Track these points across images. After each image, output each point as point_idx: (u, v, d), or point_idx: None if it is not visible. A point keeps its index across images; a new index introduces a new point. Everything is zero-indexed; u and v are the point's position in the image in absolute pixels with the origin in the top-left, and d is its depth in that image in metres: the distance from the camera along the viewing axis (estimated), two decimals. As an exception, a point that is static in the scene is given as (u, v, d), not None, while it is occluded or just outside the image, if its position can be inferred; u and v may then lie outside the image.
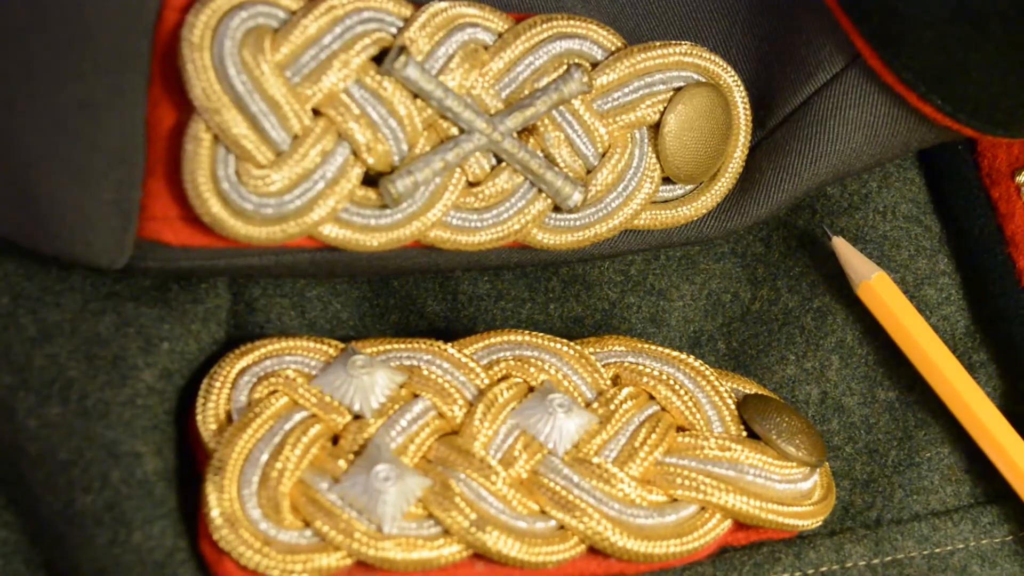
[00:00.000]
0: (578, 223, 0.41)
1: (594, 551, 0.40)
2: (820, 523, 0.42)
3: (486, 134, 0.39)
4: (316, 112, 0.38)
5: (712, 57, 0.42)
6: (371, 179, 0.39)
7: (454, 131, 0.39)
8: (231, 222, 0.37)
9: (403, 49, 0.38)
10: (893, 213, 0.47)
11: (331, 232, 0.38)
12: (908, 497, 0.46)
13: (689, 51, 0.42)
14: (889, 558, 0.44)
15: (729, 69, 0.42)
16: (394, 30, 0.38)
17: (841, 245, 0.46)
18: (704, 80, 0.42)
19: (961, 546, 0.45)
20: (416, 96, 0.38)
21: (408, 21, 0.38)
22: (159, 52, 0.36)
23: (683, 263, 0.46)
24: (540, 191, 0.40)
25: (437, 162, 0.39)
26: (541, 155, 0.40)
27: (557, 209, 0.41)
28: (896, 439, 0.46)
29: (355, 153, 0.38)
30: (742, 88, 0.43)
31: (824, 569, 0.43)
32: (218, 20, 0.36)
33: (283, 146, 0.37)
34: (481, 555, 0.38)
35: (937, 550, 0.45)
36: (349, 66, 0.38)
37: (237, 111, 0.36)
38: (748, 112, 0.43)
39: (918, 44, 0.41)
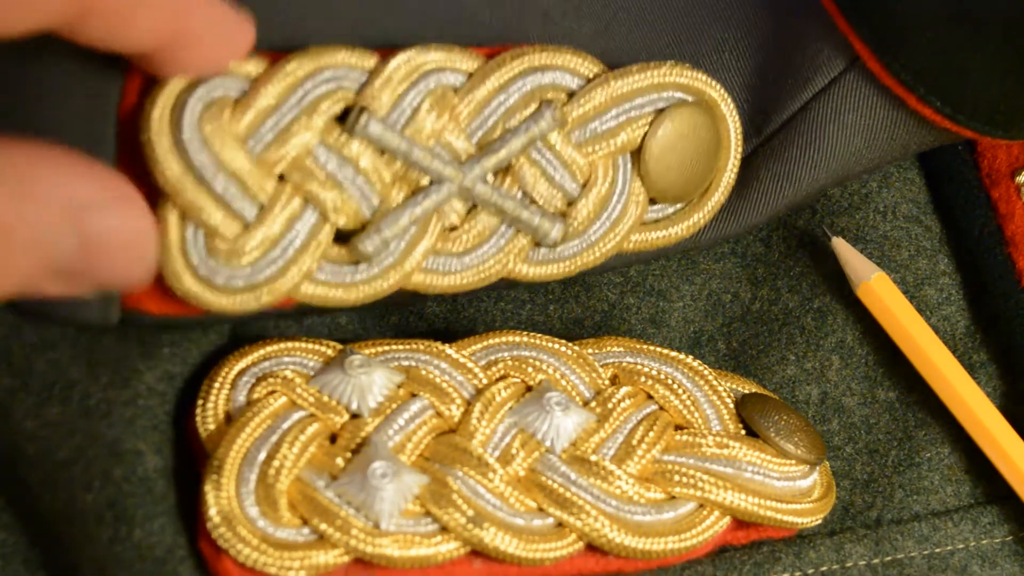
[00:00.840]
0: (564, 254, 0.41)
1: (593, 549, 0.40)
2: (820, 521, 0.43)
3: (456, 182, 0.39)
4: (283, 177, 0.37)
5: (694, 74, 0.41)
6: (346, 234, 0.39)
7: (426, 180, 0.39)
8: (205, 295, 0.37)
9: (363, 109, 0.38)
10: (893, 213, 0.47)
11: (307, 290, 0.38)
12: (908, 497, 0.46)
13: (668, 71, 0.41)
14: (889, 558, 0.44)
15: (713, 83, 0.42)
16: (356, 86, 0.38)
17: (841, 246, 0.46)
18: (687, 98, 0.41)
19: (961, 546, 0.45)
20: (384, 151, 0.38)
21: (371, 75, 0.38)
22: (123, 134, 0.36)
23: (683, 264, 0.46)
24: (519, 230, 0.40)
25: (405, 218, 0.38)
26: (518, 193, 0.40)
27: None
28: (896, 439, 0.46)
29: (323, 215, 0.38)
30: (729, 101, 0.42)
31: (824, 569, 0.44)
32: (174, 102, 0.36)
33: (250, 217, 0.37)
34: (479, 552, 0.39)
35: (937, 550, 0.45)
36: (311, 130, 0.37)
37: (200, 190, 0.36)
38: (738, 125, 0.42)
39: (917, 46, 0.41)
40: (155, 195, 0.36)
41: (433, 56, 0.39)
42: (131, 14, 0.32)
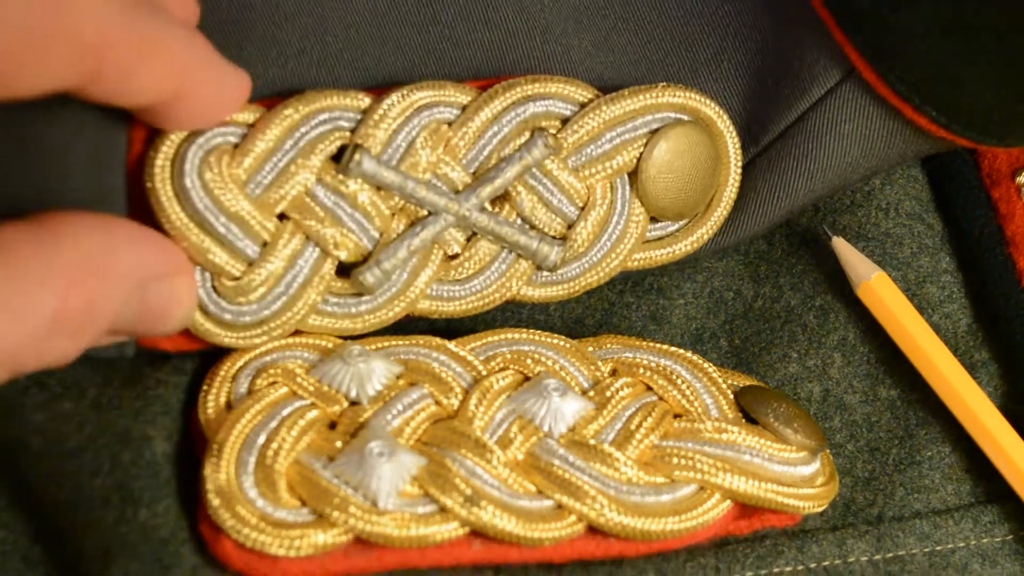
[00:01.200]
0: (567, 276, 0.42)
1: (593, 532, 0.40)
2: (822, 508, 0.42)
3: (453, 213, 0.40)
4: (283, 215, 0.39)
5: (687, 93, 0.42)
6: (348, 267, 0.40)
7: (425, 211, 0.40)
8: (215, 331, 0.39)
9: (357, 147, 0.39)
10: (896, 210, 0.47)
11: (315, 321, 0.39)
12: (909, 495, 0.46)
13: (660, 93, 0.41)
14: (891, 554, 0.44)
15: (707, 100, 0.42)
16: (352, 125, 0.39)
17: (841, 245, 0.45)
18: (682, 117, 0.42)
19: (962, 544, 0.45)
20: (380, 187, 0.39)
21: (366, 114, 0.39)
22: (132, 183, 0.38)
23: (685, 261, 0.46)
24: (519, 255, 0.41)
25: (403, 250, 0.39)
26: (516, 220, 0.41)
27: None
28: (897, 437, 0.46)
29: (324, 251, 0.39)
30: (725, 117, 0.42)
31: (826, 563, 0.44)
32: (176, 151, 0.37)
33: (253, 255, 0.38)
34: (478, 533, 0.39)
35: (938, 548, 0.45)
36: (309, 169, 0.38)
37: (203, 233, 0.38)
38: (736, 139, 0.43)
39: (912, 57, 0.41)
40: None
41: (425, 93, 0.39)
42: (135, 74, 0.34)
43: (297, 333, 0.41)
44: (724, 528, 0.42)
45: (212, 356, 0.41)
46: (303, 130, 0.38)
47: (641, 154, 0.41)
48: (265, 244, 0.38)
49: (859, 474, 0.46)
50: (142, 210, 0.38)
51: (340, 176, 0.39)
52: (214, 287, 0.38)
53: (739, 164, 0.43)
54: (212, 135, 0.38)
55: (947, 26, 0.40)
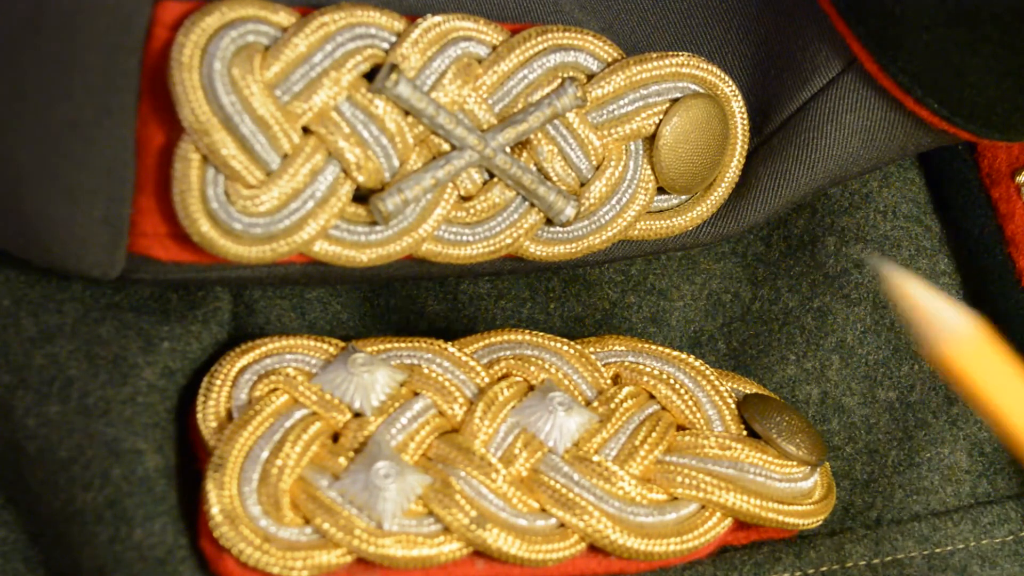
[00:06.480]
0: (571, 235, 0.41)
1: (595, 549, 0.40)
2: (820, 523, 0.43)
3: (478, 150, 0.39)
4: (306, 130, 0.37)
5: (710, 67, 0.42)
6: (362, 195, 0.39)
7: (446, 147, 0.39)
8: (220, 242, 0.37)
9: (394, 67, 0.38)
10: (894, 213, 0.47)
11: (321, 248, 0.38)
12: (908, 497, 0.46)
13: (686, 62, 0.42)
14: (889, 558, 0.44)
15: (727, 79, 0.42)
16: (386, 45, 0.38)
17: (913, 289, 0.30)
18: (701, 90, 0.42)
19: (961, 546, 0.45)
20: (408, 112, 0.38)
21: (401, 36, 0.38)
22: (148, 69, 0.36)
23: (683, 263, 0.46)
24: (532, 205, 0.40)
25: (427, 180, 0.38)
26: (534, 169, 0.40)
27: (550, 222, 0.41)
28: (896, 439, 0.46)
29: (345, 171, 0.38)
30: (740, 98, 0.42)
31: (824, 569, 0.44)
32: (207, 39, 0.36)
33: (273, 165, 0.37)
34: (481, 553, 0.39)
35: (937, 550, 0.45)
36: (340, 84, 0.37)
37: (226, 132, 0.36)
38: (746, 122, 0.43)
39: (915, 47, 0.41)
40: (176, 135, 0.36)
41: (462, 24, 0.39)
42: None
43: (296, 336, 0.40)
44: (723, 539, 0.42)
45: (204, 359, 0.40)
46: (339, 40, 0.37)
47: (660, 120, 0.41)
48: (286, 155, 0.37)
49: (858, 477, 0.46)
50: (156, 101, 0.36)
51: (370, 95, 0.38)
52: (226, 193, 0.37)
53: (745, 147, 0.43)
54: (245, 30, 0.36)
55: (950, 16, 0.40)
